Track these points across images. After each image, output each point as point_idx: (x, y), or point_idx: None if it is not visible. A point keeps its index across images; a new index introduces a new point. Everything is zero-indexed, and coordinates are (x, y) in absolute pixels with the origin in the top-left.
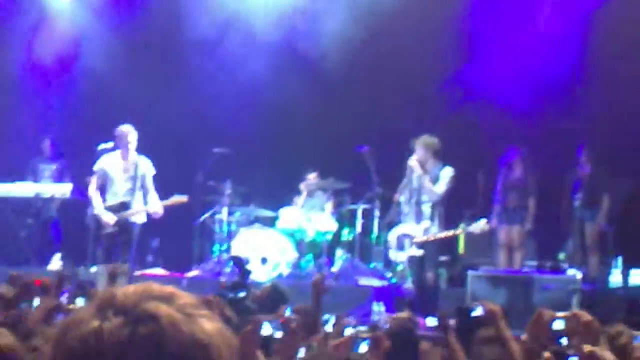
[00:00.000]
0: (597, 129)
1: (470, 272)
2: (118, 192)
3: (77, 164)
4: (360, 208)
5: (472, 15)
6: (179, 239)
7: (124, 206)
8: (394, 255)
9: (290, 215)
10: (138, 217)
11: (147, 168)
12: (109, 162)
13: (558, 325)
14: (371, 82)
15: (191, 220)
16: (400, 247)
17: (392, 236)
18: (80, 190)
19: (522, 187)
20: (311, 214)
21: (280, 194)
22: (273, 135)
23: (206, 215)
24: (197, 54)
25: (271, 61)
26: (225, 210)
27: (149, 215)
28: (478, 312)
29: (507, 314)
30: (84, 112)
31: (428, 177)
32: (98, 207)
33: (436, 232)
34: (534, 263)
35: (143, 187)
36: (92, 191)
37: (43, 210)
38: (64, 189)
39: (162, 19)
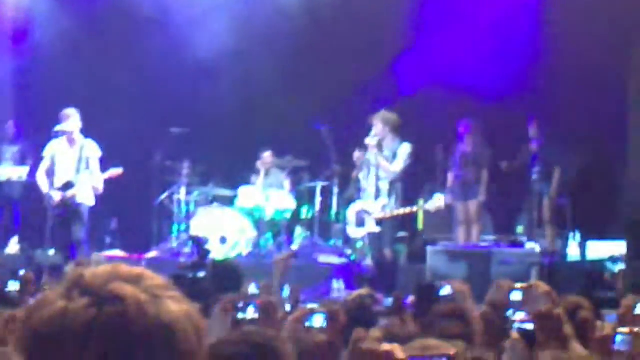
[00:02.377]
0: (550, 102)
1: (429, 248)
2: (62, 175)
3: (38, 146)
4: (318, 186)
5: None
6: (137, 220)
7: (68, 186)
8: (352, 231)
9: (249, 194)
10: (85, 198)
11: (92, 150)
12: (56, 147)
13: (516, 296)
14: (329, 59)
15: (149, 200)
16: (360, 223)
17: (351, 212)
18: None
19: (476, 160)
20: (270, 193)
21: (238, 173)
22: (230, 113)
23: (164, 195)
24: (152, 31)
25: (228, 38)
26: (183, 190)
27: (97, 198)
28: (446, 290)
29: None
30: (39, 93)
31: (383, 155)
32: (43, 187)
33: (394, 209)
34: (492, 237)
35: (88, 169)
36: (40, 175)
37: (1, 193)
38: (21, 172)
39: None
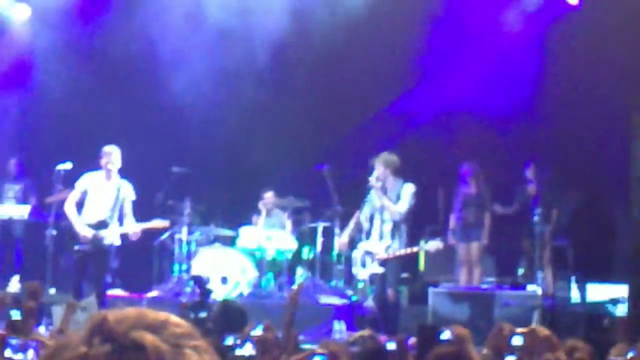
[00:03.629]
0: (549, 142)
1: (431, 289)
2: (96, 212)
3: (39, 185)
4: (320, 226)
5: (430, 33)
6: (138, 259)
7: (102, 225)
8: (359, 272)
9: (250, 234)
10: (114, 239)
11: (128, 192)
12: (91, 181)
13: (517, 341)
14: (330, 100)
15: (151, 240)
16: (363, 264)
17: (357, 254)
18: (39, 212)
19: (477, 203)
20: (271, 233)
21: (240, 213)
22: (232, 154)
23: (166, 234)
24: (154, 73)
25: (228, 80)
26: (184, 229)
27: (123, 239)
28: (446, 335)
29: (469, 330)
30: (40, 131)
31: (386, 197)
32: (75, 221)
33: (397, 250)
34: (493, 279)
35: (121, 210)
36: (70, 206)
37: (3, 232)
38: (23, 211)
39: (119, 35)
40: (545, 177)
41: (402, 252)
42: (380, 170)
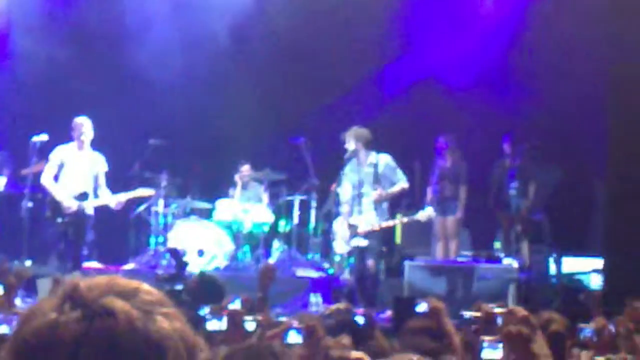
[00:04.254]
0: (526, 118)
1: (407, 262)
2: (74, 184)
3: (14, 157)
4: (297, 199)
5: (406, 2)
6: (114, 232)
7: (83, 196)
8: (339, 246)
9: (227, 207)
10: (91, 209)
11: (102, 164)
12: (65, 153)
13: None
14: (307, 72)
15: (127, 212)
16: (345, 238)
17: (338, 227)
18: (15, 184)
19: (453, 176)
20: (248, 206)
21: (216, 185)
22: (209, 126)
23: (142, 207)
24: (131, 43)
25: (205, 50)
26: (161, 202)
27: (99, 211)
28: (422, 307)
29: (445, 302)
30: (14, 102)
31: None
32: (57, 193)
33: (379, 221)
34: (469, 253)
35: (95, 182)
36: (48, 179)
37: None
38: None
39: (96, 6)
40: (523, 151)
41: (387, 224)
42: (351, 144)
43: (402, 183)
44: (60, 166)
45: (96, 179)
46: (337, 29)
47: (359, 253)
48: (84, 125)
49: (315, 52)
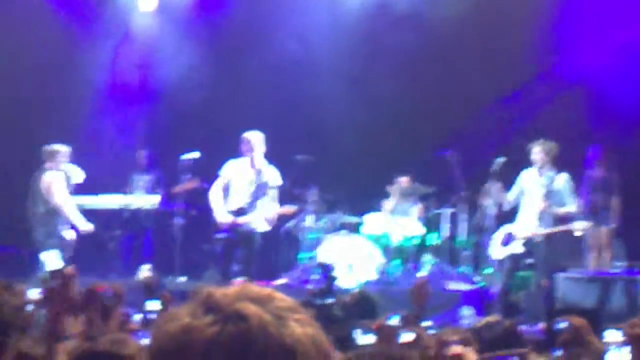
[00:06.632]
0: None
1: (559, 274)
2: (237, 199)
3: (168, 175)
4: (446, 212)
5: (560, 10)
6: (265, 248)
7: (240, 211)
8: (496, 251)
9: (376, 221)
10: (259, 225)
11: (273, 178)
12: (234, 168)
13: None
14: (455, 83)
15: (277, 228)
16: (505, 243)
17: (499, 234)
18: (167, 202)
19: (605, 186)
20: (397, 219)
21: (365, 199)
22: (355, 140)
23: (292, 222)
24: (280, 64)
25: (355, 64)
26: (311, 217)
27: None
28: (563, 326)
29: (601, 315)
30: (165, 123)
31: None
32: (216, 208)
33: (545, 228)
34: (623, 264)
35: (266, 195)
36: (214, 193)
37: (133, 221)
38: (153, 200)
39: (244, 28)
40: None
41: (546, 231)
42: (539, 156)
43: (571, 206)
44: (229, 181)
45: (266, 192)
46: (488, 39)
47: (513, 259)
48: (253, 139)
49: (465, 64)
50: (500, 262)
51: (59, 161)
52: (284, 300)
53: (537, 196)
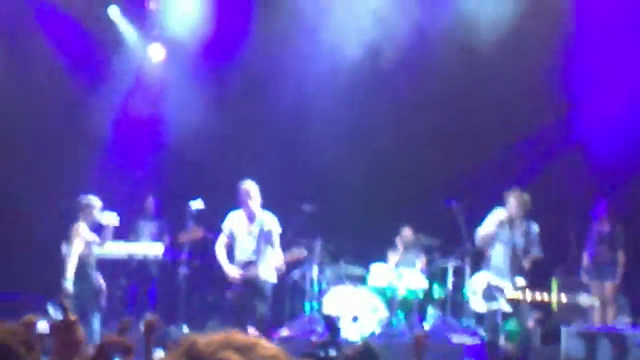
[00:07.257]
0: None
1: (564, 329)
2: (244, 251)
3: (174, 223)
4: (450, 265)
5: (567, 67)
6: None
7: (249, 264)
8: (477, 304)
9: (381, 273)
10: (268, 275)
11: (273, 225)
12: (235, 221)
13: None
14: (459, 134)
15: (281, 279)
16: (490, 297)
17: (478, 284)
18: (172, 250)
19: (611, 241)
20: (402, 271)
21: (369, 250)
22: (361, 191)
23: (296, 272)
24: (286, 112)
25: (358, 118)
26: (315, 268)
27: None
28: None
29: None
30: (173, 169)
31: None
32: (224, 263)
33: (532, 293)
34: (628, 319)
35: (269, 244)
36: (219, 249)
37: (140, 270)
38: (157, 249)
39: (249, 79)
40: None
41: (541, 297)
42: (513, 206)
43: (537, 254)
44: (232, 234)
45: (269, 241)
46: (489, 91)
47: (499, 315)
48: (251, 190)
49: (471, 116)
50: (481, 314)
51: (89, 212)
52: (268, 348)
53: (517, 247)
